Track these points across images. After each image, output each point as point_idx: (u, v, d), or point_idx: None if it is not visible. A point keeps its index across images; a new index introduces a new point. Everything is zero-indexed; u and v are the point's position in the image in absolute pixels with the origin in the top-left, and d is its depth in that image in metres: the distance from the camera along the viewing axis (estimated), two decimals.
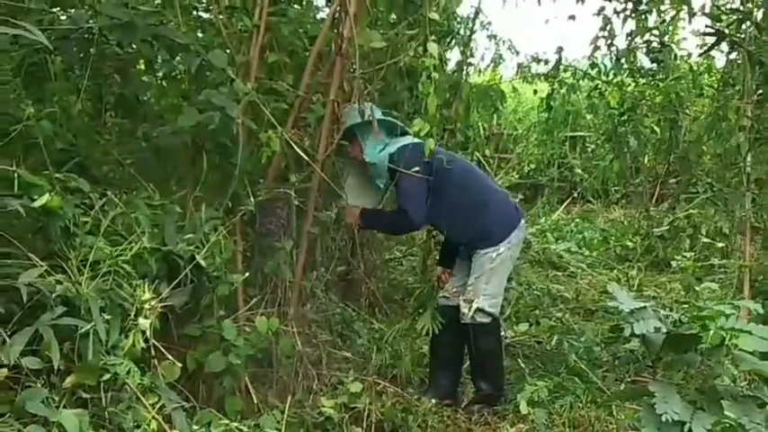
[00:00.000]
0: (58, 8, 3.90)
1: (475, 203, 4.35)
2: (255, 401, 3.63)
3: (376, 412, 4.00)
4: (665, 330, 2.82)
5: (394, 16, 4.96)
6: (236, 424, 3.09)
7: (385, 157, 4.32)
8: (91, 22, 3.56)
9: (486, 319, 4.32)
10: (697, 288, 3.61)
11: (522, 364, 4.88)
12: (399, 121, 4.50)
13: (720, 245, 5.95)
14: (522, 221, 4.47)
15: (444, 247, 4.79)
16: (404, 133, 4.37)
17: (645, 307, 2.86)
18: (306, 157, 3.86)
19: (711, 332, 2.77)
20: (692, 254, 4.88)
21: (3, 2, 3.26)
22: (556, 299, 6.43)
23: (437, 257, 4.98)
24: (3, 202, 2.66)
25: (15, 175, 2.71)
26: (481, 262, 4.34)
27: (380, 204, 4.68)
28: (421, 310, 4.70)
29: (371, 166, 4.38)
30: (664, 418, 2.65)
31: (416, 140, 4.13)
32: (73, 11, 3.83)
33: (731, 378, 3.04)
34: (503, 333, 4.65)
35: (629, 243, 8.24)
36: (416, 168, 4.15)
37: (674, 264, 5.18)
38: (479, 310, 4.29)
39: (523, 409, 4.23)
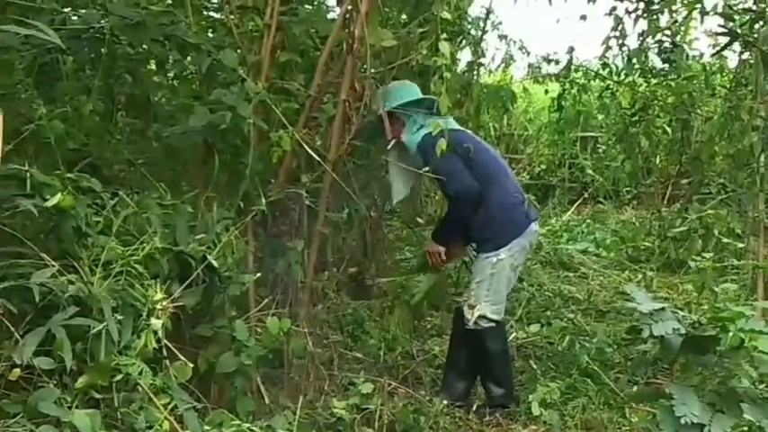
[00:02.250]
0: (70, 8, 3.90)
1: (483, 202, 4.25)
2: (267, 402, 3.62)
3: (387, 413, 3.99)
4: (683, 332, 2.80)
5: (405, 15, 4.95)
6: (247, 425, 3.07)
7: (419, 138, 4.30)
8: (102, 21, 3.55)
9: (490, 325, 4.28)
10: (716, 289, 3.58)
11: (534, 366, 4.86)
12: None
13: (740, 245, 5.91)
14: (531, 228, 4.33)
15: (444, 221, 4.68)
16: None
17: (663, 308, 2.83)
18: (317, 157, 3.84)
19: (731, 334, 2.74)
20: (709, 254, 4.84)
21: (14, 1, 3.26)
22: (567, 300, 6.39)
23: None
24: (15, 202, 2.66)
25: (28, 174, 2.71)
26: (482, 266, 4.29)
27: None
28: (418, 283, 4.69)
29: (408, 147, 4.38)
30: (683, 421, 2.62)
31: (452, 123, 4.20)
32: (84, 11, 3.83)
33: (750, 380, 3.00)
34: (510, 335, 4.59)
35: (641, 244, 8.19)
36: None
37: (691, 264, 5.12)
38: (482, 316, 4.24)
39: (536, 410, 4.20)
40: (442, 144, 3.85)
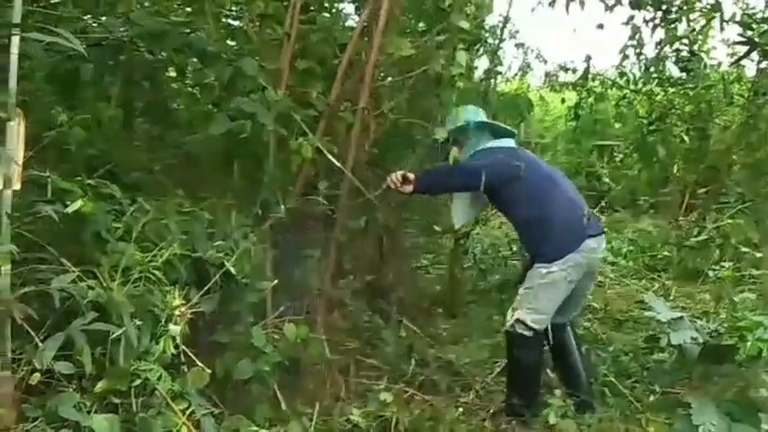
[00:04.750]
0: (90, 16, 3.94)
1: (536, 218, 4.22)
2: (284, 408, 3.63)
3: (404, 421, 3.99)
4: (701, 341, 2.79)
5: (423, 24, 4.96)
6: (264, 431, 3.09)
7: (469, 158, 4.36)
8: (123, 29, 3.58)
9: (527, 332, 4.19)
10: (735, 298, 3.56)
11: (551, 374, 4.84)
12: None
13: (759, 255, 5.89)
14: (588, 243, 4.19)
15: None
16: (508, 135, 4.48)
17: (682, 317, 2.83)
18: (337, 164, 3.86)
19: (749, 343, 2.73)
20: (729, 264, 4.82)
21: (36, 9, 3.30)
22: (584, 308, 6.36)
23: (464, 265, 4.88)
24: (36, 208, 2.69)
25: (49, 180, 2.74)
26: (533, 275, 4.24)
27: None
28: None
29: None
30: (701, 430, 2.61)
31: (505, 145, 4.32)
32: (104, 18, 3.87)
33: None
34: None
35: (659, 253, 8.16)
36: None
37: (710, 274, 5.10)
38: (520, 321, 4.18)
39: (552, 419, 4.18)
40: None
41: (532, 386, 4.35)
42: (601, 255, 4.28)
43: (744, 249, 5.70)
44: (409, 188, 4.22)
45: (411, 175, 4.20)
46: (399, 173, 4.20)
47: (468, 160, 4.35)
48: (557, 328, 4.36)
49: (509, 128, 4.59)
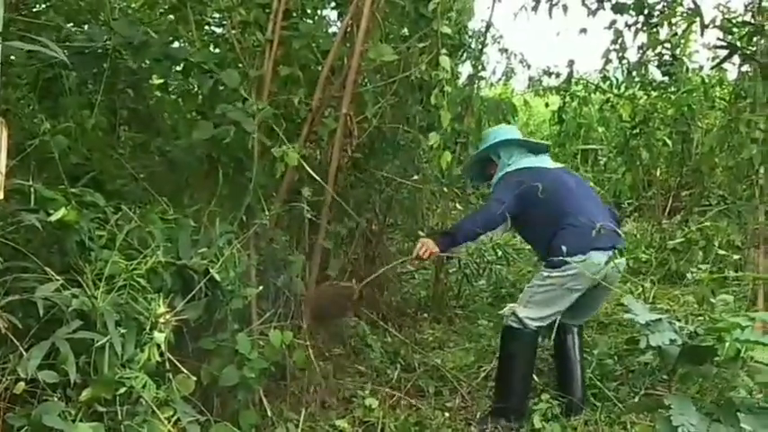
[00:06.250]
0: (73, 24, 3.94)
1: (549, 227, 4.36)
2: (269, 415, 3.63)
3: (390, 426, 4.00)
4: (680, 342, 2.82)
5: (405, 30, 4.98)
6: None
7: (499, 177, 4.61)
8: (105, 38, 3.59)
9: (516, 325, 4.33)
10: (713, 300, 3.59)
11: (537, 378, 4.86)
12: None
13: (735, 257, 5.92)
14: (593, 256, 4.23)
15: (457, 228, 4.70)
16: (541, 151, 4.77)
17: (660, 319, 2.85)
18: (314, 175, 3.87)
19: (727, 344, 2.76)
20: (707, 266, 4.85)
21: (19, 17, 3.30)
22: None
23: (449, 270, 4.94)
24: (19, 217, 2.68)
25: (32, 189, 2.73)
26: (536, 276, 4.46)
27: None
28: None
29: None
30: (680, 431, 2.64)
31: (532, 165, 4.55)
32: (87, 27, 3.87)
33: (747, 390, 3.01)
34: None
35: (642, 256, 8.18)
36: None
37: (689, 276, 5.14)
38: (514, 313, 4.34)
39: (537, 423, 4.20)
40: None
41: (517, 386, 4.40)
42: (613, 269, 4.29)
43: (722, 252, 5.72)
44: (436, 250, 4.39)
45: (431, 243, 4.36)
46: (420, 243, 4.39)
47: (494, 186, 4.62)
48: (562, 330, 4.51)
49: (542, 142, 4.88)
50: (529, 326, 4.33)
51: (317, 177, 3.90)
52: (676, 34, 7.61)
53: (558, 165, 4.87)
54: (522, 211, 4.41)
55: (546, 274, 4.31)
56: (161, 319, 2.81)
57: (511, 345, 4.41)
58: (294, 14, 4.15)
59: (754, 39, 5.41)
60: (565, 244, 4.14)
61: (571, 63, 8.27)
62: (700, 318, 3.52)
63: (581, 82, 9.44)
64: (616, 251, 4.29)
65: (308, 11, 4.50)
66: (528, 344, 4.41)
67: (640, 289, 6.74)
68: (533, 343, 4.43)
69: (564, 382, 4.57)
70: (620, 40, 7.43)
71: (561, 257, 4.10)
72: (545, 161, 4.70)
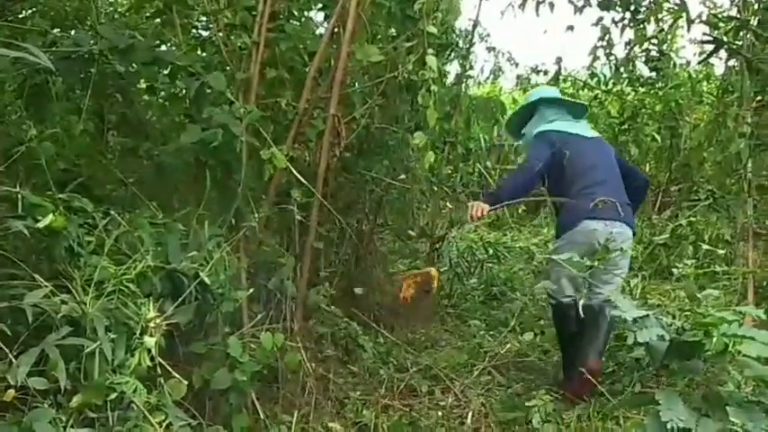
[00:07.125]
0: (59, 29, 3.93)
1: (563, 194, 4.56)
2: (262, 417, 3.63)
3: (383, 426, 4.00)
4: (668, 338, 2.83)
5: (392, 31, 4.98)
6: None
7: (533, 134, 4.76)
8: (92, 43, 3.58)
9: (551, 300, 4.68)
10: (699, 295, 3.61)
11: (531, 376, 4.88)
12: None
13: (721, 251, 5.96)
14: (588, 224, 4.37)
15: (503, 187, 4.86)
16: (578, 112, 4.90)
17: (647, 315, 2.86)
18: (300, 178, 3.87)
19: (715, 339, 2.78)
20: (694, 261, 4.89)
21: (4, 23, 3.29)
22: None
23: (440, 269, 5.01)
24: (7, 224, 2.68)
25: (19, 196, 2.73)
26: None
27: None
28: None
29: (525, 139, 4.89)
30: (669, 426, 2.65)
31: (576, 127, 4.69)
32: (73, 32, 3.86)
33: (735, 384, 3.03)
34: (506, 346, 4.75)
35: (633, 251, 8.21)
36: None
37: (675, 271, 5.18)
38: (548, 293, 4.67)
39: (536, 422, 4.19)
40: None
41: (567, 353, 4.71)
42: (610, 240, 4.31)
43: (714, 247, 5.75)
44: (487, 208, 4.46)
45: (481, 203, 4.44)
46: (471, 205, 4.48)
47: (532, 142, 4.75)
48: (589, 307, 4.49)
49: (581, 102, 5.11)
50: (556, 298, 4.60)
51: (304, 181, 3.90)
52: (663, 30, 7.65)
53: (595, 134, 5.00)
54: (549, 172, 4.58)
55: (552, 246, 4.68)
56: (151, 324, 2.80)
57: (554, 319, 4.77)
58: (280, 17, 4.15)
59: (741, 33, 5.43)
60: (567, 214, 4.46)
61: (559, 60, 8.31)
62: (688, 313, 3.54)
63: (569, 79, 9.47)
64: (620, 223, 4.46)
65: (295, 13, 4.50)
66: (561, 316, 4.67)
67: (632, 284, 6.78)
68: (566, 314, 4.59)
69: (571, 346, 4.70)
70: (607, 37, 7.47)
71: (563, 227, 4.48)
72: (584, 128, 4.84)
